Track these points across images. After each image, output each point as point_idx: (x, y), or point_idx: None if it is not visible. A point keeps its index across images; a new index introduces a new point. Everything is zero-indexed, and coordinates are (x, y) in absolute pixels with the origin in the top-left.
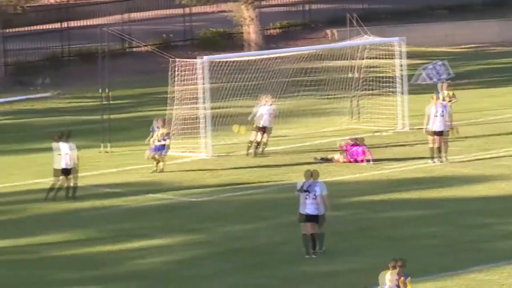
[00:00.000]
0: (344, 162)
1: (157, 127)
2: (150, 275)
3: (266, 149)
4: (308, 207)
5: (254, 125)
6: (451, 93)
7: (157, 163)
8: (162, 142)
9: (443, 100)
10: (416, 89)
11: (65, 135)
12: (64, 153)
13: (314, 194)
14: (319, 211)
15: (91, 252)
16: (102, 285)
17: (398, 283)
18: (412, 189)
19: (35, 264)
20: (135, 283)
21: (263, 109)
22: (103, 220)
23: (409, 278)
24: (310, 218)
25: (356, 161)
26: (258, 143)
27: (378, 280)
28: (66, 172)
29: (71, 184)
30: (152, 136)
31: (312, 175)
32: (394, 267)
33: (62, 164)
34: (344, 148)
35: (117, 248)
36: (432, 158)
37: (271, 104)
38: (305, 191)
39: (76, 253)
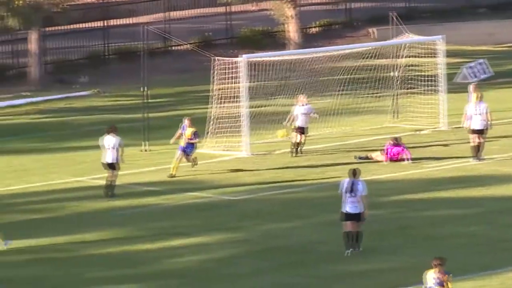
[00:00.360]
0: (384, 160)
1: (184, 126)
2: (188, 273)
3: (303, 148)
4: (349, 205)
5: (293, 126)
6: (479, 94)
7: (189, 161)
8: (191, 141)
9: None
10: (456, 88)
11: (111, 130)
12: (110, 147)
13: (355, 193)
14: (359, 209)
15: (129, 251)
16: (140, 283)
17: (440, 280)
18: (451, 188)
19: (73, 262)
20: (173, 282)
21: (299, 109)
22: (142, 219)
23: (450, 276)
24: (350, 216)
25: (396, 160)
26: (298, 144)
27: (422, 279)
28: (110, 166)
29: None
30: (178, 135)
31: (355, 173)
32: (436, 266)
33: (108, 158)
34: (386, 148)
35: (155, 247)
36: (474, 156)
37: (306, 104)
38: (348, 189)
39: (114, 251)
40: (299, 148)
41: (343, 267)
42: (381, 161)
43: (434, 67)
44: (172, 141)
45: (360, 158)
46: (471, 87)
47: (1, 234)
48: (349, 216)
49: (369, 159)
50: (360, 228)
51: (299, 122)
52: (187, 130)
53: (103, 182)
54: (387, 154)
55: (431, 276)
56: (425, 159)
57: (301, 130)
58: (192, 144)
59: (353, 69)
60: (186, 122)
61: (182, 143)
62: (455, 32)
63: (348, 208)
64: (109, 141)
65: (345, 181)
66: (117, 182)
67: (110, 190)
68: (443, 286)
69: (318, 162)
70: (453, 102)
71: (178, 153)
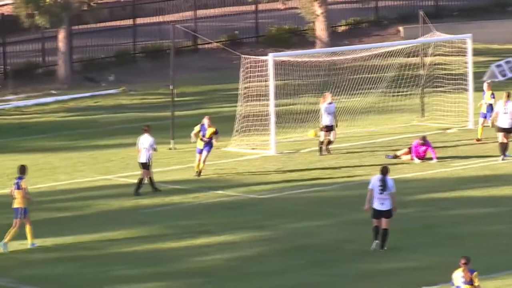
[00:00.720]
0: (411, 159)
1: (204, 126)
2: (214, 271)
3: (330, 146)
4: (378, 202)
5: (321, 125)
6: (490, 93)
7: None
8: (212, 141)
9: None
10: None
11: (145, 129)
12: (143, 147)
13: (385, 190)
14: (387, 206)
15: (155, 249)
16: (166, 281)
17: (466, 279)
18: (477, 187)
19: (98, 260)
20: (199, 280)
21: (325, 107)
22: (168, 217)
23: (475, 273)
24: (378, 213)
25: (422, 157)
26: (322, 143)
27: (447, 278)
28: (143, 166)
29: (140, 179)
30: (196, 133)
31: (386, 171)
32: (462, 265)
33: (141, 158)
34: (414, 147)
35: (181, 245)
36: (502, 154)
37: (331, 103)
38: (378, 186)
39: (140, 249)
40: (323, 147)
41: (369, 266)
42: (409, 160)
43: (462, 65)
44: (192, 139)
45: (389, 157)
46: (485, 85)
47: (31, 233)
48: (377, 213)
49: (397, 157)
50: (387, 226)
51: (325, 121)
52: (208, 131)
53: (130, 181)
54: (413, 152)
55: (459, 275)
56: (452, 157)
57: (328, 129)
58: (210, 143)
59: (381, 68)
60: (206, 121)
61: (200, 144)
62: (483, 31)
63: (376, 205)
64: (144, 140)
65: (375, 178)
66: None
67: (152, 188)
68: (472, 284)
69: (345, 160)
70: (481, 101)
71: (198, 156)
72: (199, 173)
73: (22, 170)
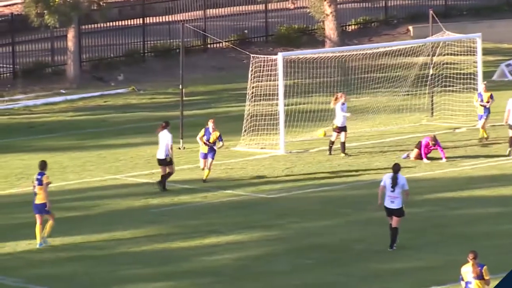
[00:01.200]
0: (421, 159)
1: (208, 129)
2: (223, 271)
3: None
4: (388, 200)
5: (335, 126)
6: (489, 94)
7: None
8: (215, 147)
9: (487, 102)
10: (493, 85)
11: (163, 126)
12: (161, 143)
13: (395, 188)
14: (396, 205)
15: (164, 248)
16: (174, 281)
17: (476, 274)
18: (487, 187)
19: (107, 260)
20: (208, 279)
21: (340, 108)
22: (177, 216)
23: (485, 267)
24: (389, 211)
25: (428, 152)
26: (333, 142)
27: (456, 278)
28: (160, 162)
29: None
30: (201, 137)
31: (398, 169)
32: (470, 260)
33: (159, 154)
34: (423, 146)
35: (190, 245)
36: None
37: (344, 103)
38: (390, 184)
39: (148, 249)
40: (333, 147)
41: (377, 266)
42: (418, 159)
43: (471, 65)
44: (201, 143)
45: (403, 157)
46: (481, 87)
47: (41, 232)
48: (388, 211)
49: (407, 157)
50: (397, 225)
51: (338, 121)
52: (212, 135)
53: (138, 180)
54: (423, 149)
55: (468, 270)
56: (461, 157)
57: (340, 130)
58: (214, 148)
59: (390, 67)
60: (210, 125)
61: (204, 149)
62: (492, 30)
63: (386, 203)
64: (162, 136)
65: (387, 175)
66: (151, 180)
67: (160, 185)
68: (482, 278)
69: (354, 160)
70: (475, 101)
71: (202, 161)
72: (204, 180)
73: (43, 165)
